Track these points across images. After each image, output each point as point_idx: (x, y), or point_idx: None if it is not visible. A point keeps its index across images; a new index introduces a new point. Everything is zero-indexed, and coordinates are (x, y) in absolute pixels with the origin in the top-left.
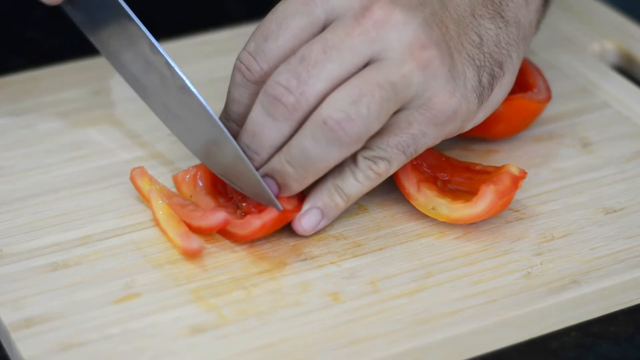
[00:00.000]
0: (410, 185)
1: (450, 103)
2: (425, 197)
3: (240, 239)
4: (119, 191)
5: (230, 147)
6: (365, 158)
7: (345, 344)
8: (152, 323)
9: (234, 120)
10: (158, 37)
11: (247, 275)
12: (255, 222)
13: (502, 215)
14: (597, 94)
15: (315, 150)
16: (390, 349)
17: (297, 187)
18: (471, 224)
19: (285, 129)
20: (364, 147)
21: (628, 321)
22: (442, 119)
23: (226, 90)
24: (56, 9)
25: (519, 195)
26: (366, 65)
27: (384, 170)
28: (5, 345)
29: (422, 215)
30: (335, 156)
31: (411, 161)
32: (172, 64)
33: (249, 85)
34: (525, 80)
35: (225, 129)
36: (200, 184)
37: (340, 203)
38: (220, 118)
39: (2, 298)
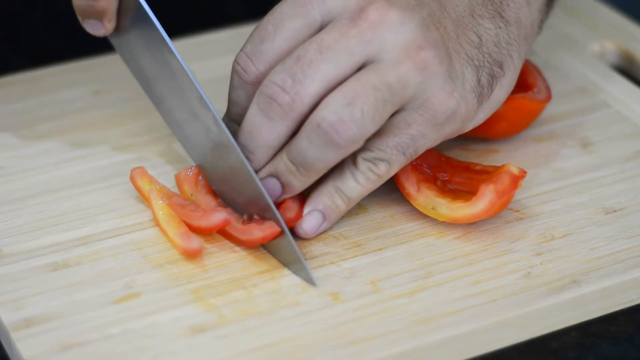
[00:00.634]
0: (410, 185)
1: (448, 103)
2: (425, 197)
3: (240, 243)
4: (119, 191)
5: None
6: (365, 159)
7: (345, 344)
8: (152, 323)
9: (236, 121)
10: None
11: (247, 275)
12: (257, 233)
13: (502, 215)
14: (597, 94)
15: (311, 152)
16: (390, 349)
17: (300, 186)
18: (471, 224)
19: (280, 128)
20: (364, 149)
21: (628, 321)
22: (441, 119)
23: (226, 90)
24: (56, 9)
25: (519, 195)
26: (363, 66)
27: (384, 171)
28: (5, 345)
29: (422, 215)
30: (332, 157)
31: (411, 161)
32: (219, 120)
33: (246, 87)
34: (525, 80)
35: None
36: (202, 182)
37: (341, 205)
38: (223, 119)
39: (2, 298)
